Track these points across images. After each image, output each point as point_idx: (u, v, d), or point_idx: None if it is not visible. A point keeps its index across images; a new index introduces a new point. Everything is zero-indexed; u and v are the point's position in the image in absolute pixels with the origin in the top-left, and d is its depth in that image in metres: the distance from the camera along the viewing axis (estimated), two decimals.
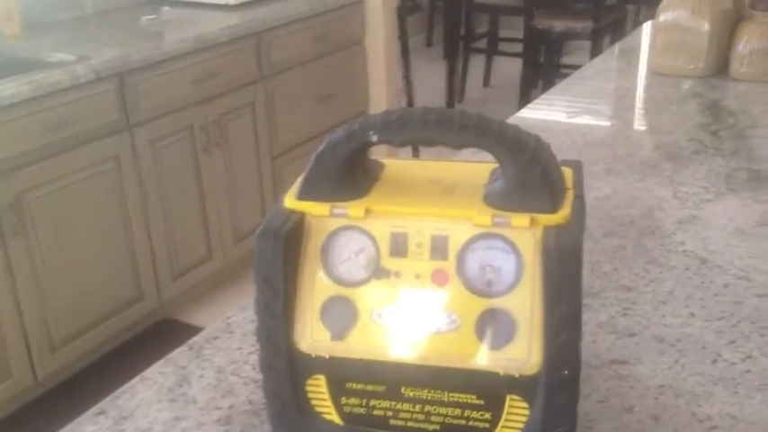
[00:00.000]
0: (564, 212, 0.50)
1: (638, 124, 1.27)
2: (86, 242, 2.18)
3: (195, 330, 0.71)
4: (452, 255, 0.50)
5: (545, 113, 1.33)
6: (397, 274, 0.51)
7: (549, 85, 4.07)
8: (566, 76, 1.81)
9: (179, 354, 0.68)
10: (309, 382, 0.53)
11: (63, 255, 2.12)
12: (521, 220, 0.49)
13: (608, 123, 1.27)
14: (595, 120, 1.30)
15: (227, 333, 0.71)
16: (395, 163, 0.59)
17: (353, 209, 0.52)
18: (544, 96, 1.43)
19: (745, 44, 1.40)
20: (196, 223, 2.52)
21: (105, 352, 2.34)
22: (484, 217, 0.50)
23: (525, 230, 0.49)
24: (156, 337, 2.43)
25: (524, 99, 4.10)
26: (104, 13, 2.73)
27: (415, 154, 3.22)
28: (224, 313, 0.74)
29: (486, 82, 4.91)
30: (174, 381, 0.65)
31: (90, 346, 2.26)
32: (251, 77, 2.60)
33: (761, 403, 0.57)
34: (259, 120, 2.67)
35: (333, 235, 0.52)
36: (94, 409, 0.62)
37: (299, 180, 0.54)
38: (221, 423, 0.59)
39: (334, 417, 0.53)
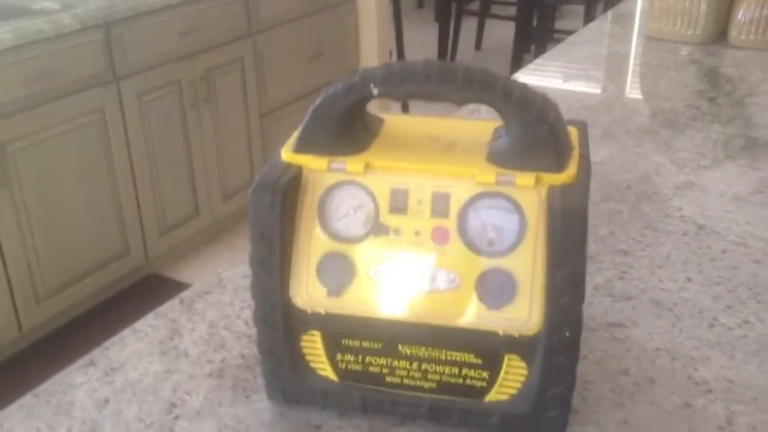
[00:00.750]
0: (570, 172, 0.49)
1: (635, 90, 1.25)
2: (72, 194, 2.15)
3: (182, 286, 0.70)
4: (454, 213, 0.49)
5: (539, 78, 1.32)
6: (397, 232, 0.50)
7: (541, 49, 4.04)
8: (559, 41, 1.79)
9: (169, 307, 0.67)
10: (304, 338, 0.52)
11: (48, 206, 2.09)
12: (525, 178, 0.48)
13: (604, 89, 1.26)
14: (591, 85, 1.28)
15: (219, 288, 0.70)
16: (395, 118, 0.57)
17: (352, 164, 0.51)
18: (538, 61, 1.41)
19: (744, 11, 1.38)
20: (183, 180, 2.50)
21: (91, 306, 2.33)
22: (487, 175, 0.49)
23: (529, 189, 0.48)
24: (143, 292, 2.42)
25: (516, 63, 4.07)
26: None
27: (405, 110, 3.19)
28: (211, 270, 0.73)
29: (477, 45, 4.87)
30: (165, 334, 0.64)
31: (76, 300, 2.25)
32: (239, 33, 2.55)
33: (757, 368, 0.57)
34: (248, 76, 2.63)
35: (331, 190, 0.51)
36: (84, 360, 0.61)
37: (296, 133, 0.53)
38: (213, 377, 0.59)
39: (329, 373, 0.53)
